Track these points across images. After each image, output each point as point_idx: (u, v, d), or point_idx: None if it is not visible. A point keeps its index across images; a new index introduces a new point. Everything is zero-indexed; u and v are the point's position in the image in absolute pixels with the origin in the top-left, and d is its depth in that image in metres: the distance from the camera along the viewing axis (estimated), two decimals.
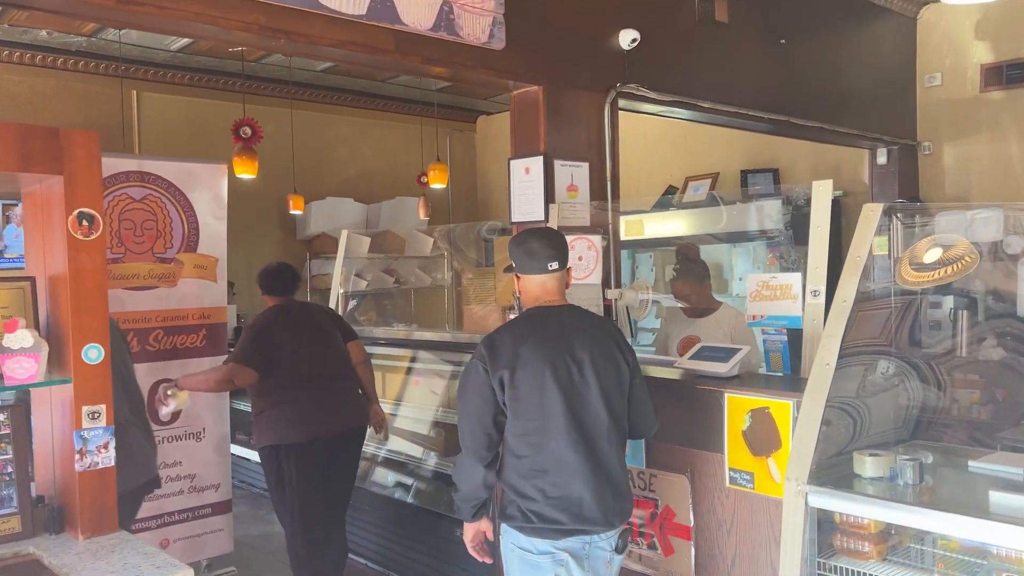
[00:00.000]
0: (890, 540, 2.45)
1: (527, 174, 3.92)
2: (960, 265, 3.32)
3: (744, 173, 6.80)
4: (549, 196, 3.86)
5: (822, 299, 2.92)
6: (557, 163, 3.88)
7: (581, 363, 2.45)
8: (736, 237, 6.62)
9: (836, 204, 6.77)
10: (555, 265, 2.56)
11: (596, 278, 3.73)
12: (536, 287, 2.59)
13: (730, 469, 2.79)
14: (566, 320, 2.55)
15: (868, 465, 2.47)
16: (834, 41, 5.75)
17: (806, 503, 2.42)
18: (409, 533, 4.39)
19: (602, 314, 3.75)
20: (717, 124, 5.33)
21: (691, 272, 3.92)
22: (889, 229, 6.51)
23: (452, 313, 8.30)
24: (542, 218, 3.85)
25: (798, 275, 3.00)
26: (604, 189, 4.05)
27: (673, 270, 4.01)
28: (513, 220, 4.02)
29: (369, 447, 4.63)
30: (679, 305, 4.01)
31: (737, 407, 2.76)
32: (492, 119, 9.74)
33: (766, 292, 3.07)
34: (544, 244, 2.58)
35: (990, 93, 6.09)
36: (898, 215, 6.42)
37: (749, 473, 2.73)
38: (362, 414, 4.00)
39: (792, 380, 2.86)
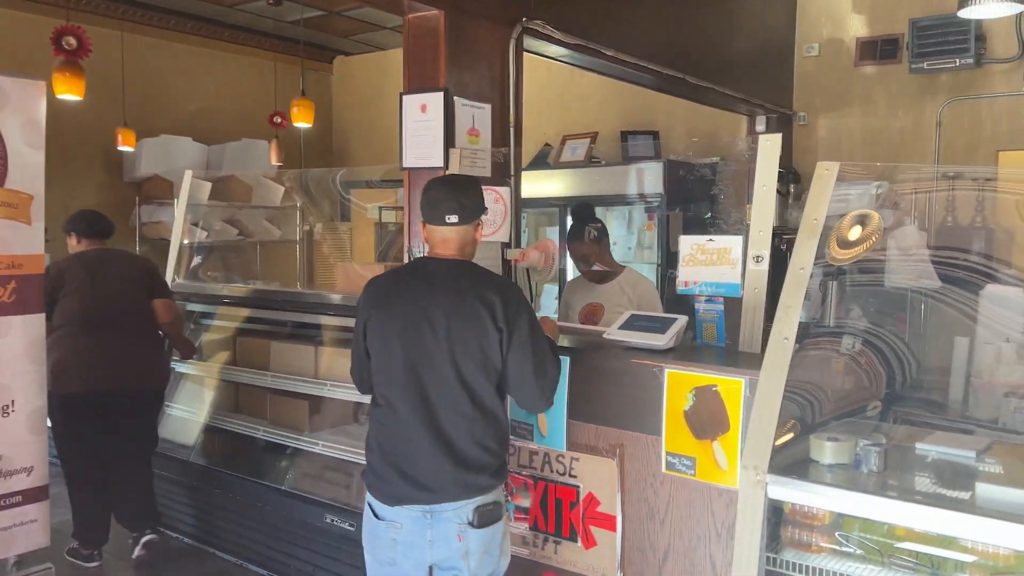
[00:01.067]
0: (839, 529, 2.24)
1: (423, 113, 3.42)
2: (872, 240, 3.25)
3: (624, 134, 6.58)
4: (449, 140, 3.38)
5: (765, 265, 2.66)
6: (458, 102, 3.41)
7: (434, 321, 2.28)
8: (614, 200, 6.41)
9: (709, 170, 6.76)
10: (454, 218, 2.36)
11: (504, 235, 3.32)
12: (436, 238, 2.41)
13: (667, 453, 2.48)
14: (443, 275, 2.37)
15: (828, 451, 2.24)
16: (728, 3, 5.59)
17: (765, 494, 2.15)
18: (263, 516, 3.86)
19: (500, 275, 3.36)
20: (613, 76, 5.02)
21: (591, 233, 3.59)
22: None
23: (304, 271, 7.63)
24: (440, 165, 3.38)
25: (738, 239, 2.72)
26: (506, 136, 3.62)
27: (572, 231, 3.66)
28: (405, 166, 3.51)
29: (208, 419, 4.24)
30: (582, 270, 3.67)
31: (678, 384, 2.45)
32: (351, 60, 9.01)
33: (701, 256, 2.78)
34: (447, 194, 2.39)
35: (864, 67, 6.17)
36: (778, 183, 6.37)
37: (690, 458, 2.44)
38: (149, 376, 3.89)
39: (739, 355, 2.59)
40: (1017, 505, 1.86)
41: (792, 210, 5.96)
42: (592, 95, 7.33)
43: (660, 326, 2.62)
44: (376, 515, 2.33)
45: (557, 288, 5.75)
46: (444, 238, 2.39)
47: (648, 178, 6.15)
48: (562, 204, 6.41)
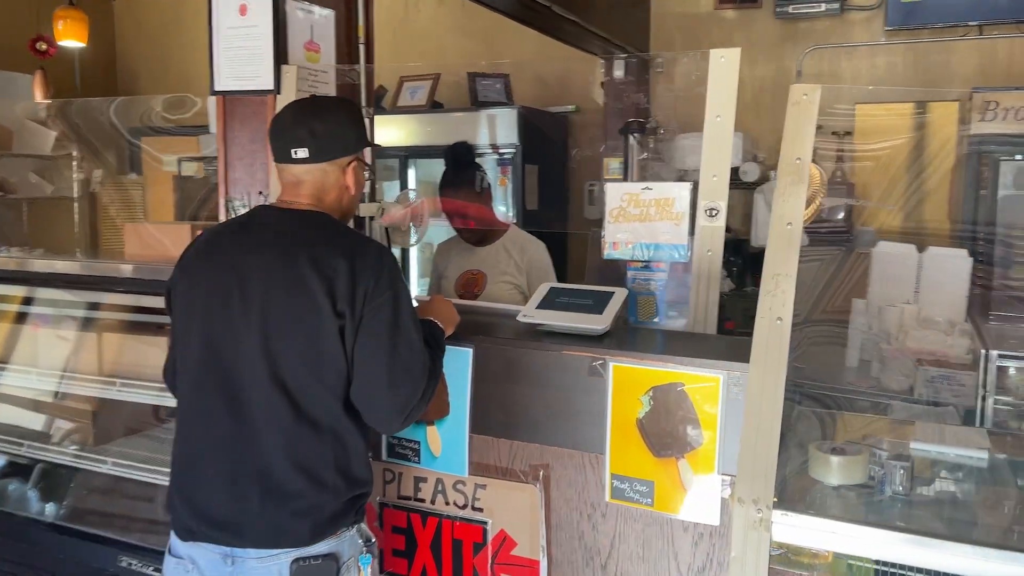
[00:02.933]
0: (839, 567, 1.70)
1: (242, 16, 2.50)
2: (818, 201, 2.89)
3: (473, 76, 5.84)
4: (280, 54, 2.50)
5: (722, 220, 2.05)
6: (292, 4, 2.52)
7: (248, 294, 1.63)
8: None
9: (564, 120, 6.20)
10: (302, 152, 1.70)
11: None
12: (284, 182, 1.76)
13: (614, 477, 1.83)
14: (274, 230, 1.70)
15: (836, 468, 1.67)
16: None
17: (770, 537, 1.55)
18: (30, 561, 2.87)
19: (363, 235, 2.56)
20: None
21: (470, 181, 2.85)
22: (626, 149, 5.93)
23: (85, 234, 6.30)
24: (269, 87, 2.50)
25: (684, 187, 2.09)
26: (355, 54, 2.77)
27: (449, 178, 2.91)
28: (217, 88, 2.59)
29: None
30: (456, 229, 2.93)
31: (629, 383, 1.80)
32: None
33: (634, 210, 2.13)
34: (295, 118, 1.73)
35: (724, 11, 5.80)
36: (634, 134, 5.86)
37: (645, 482, 1.80)
38: None
39: (708, 341, 1.97)
40: None
41: (653, 163, 5.50)
42: (431, 32, 6.51)
43: (594, 303, 1.94)
44: (169, 549, 1.72)
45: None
46: (293, 180, 1.73)
47: (501, 127, 5.48)
48: (402, 155, 5.61)
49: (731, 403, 1.70)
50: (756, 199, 5.32)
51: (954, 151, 4.83)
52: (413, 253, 5.58)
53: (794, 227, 1.75)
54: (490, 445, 1.97)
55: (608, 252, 2.14)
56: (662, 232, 2.08)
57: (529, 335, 1.97)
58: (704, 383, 1.73)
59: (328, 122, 1.70)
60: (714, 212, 2.04)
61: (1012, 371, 3.06)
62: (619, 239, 2.12)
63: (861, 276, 4.46)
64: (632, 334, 2.03)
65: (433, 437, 2.00)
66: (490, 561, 1.98)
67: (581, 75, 6.08)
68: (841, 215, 5.40)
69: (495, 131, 5.51)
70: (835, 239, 5.38)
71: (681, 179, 4.09)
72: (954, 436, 2.01)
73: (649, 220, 2.10)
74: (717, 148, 2.06)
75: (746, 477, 1.57)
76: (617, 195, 2.13)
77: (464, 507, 2.00)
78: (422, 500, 2.05)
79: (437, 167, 5.65)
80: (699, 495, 1.74)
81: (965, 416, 3.10)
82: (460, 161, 2.91)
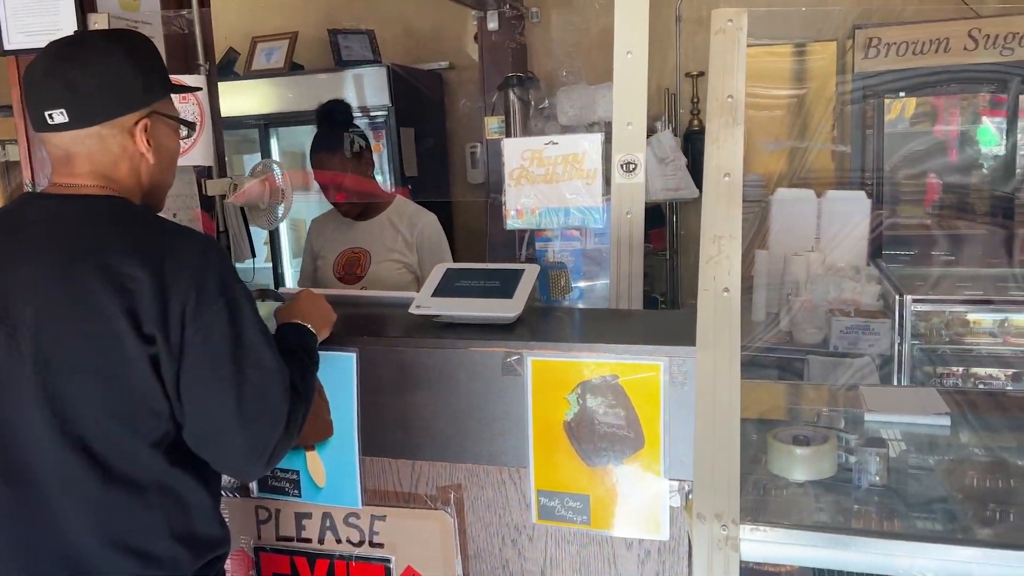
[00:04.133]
0: None
1: None
2: None
3: (333, 32, 5.32)
4: (86, 0, 2.00)
5: (641, 176, 1.75)
6: None
7: (16, 321, 1.19)
8: None
9: (439, 78, 5.79)
10: (58, 116, 1.23)
11: (200, 155, 2.05)
12: (54, 157, 1.29)
13: (540, 493, 1.52)
14: (45, 228, 1.24)
15: (801, 461, 1.41)
16: None
17: (739, 556, 1.28)
18: None
19: (192, 223, 2.13)
20: None
21: (355, 144, 2.44)
22: (507, 106, 5.58)
23: None
24: None
25: (595, 138, 1.77)
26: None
27: (321, 142, 2.48)
28: (7, 48, 2.06)
29: None
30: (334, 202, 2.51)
31: (553, 380, 1.48)
32: None
33: (538, 170, 1.80)
34: (47, 69, 1.26)
35: None
36: (514, 90, 5.51)
37: (579, 497, 1.50)
38: None
39: (634, 318, 1.67)
40: None
41: (536, 120, 5.20)
42: None
43: (501, 285, 1.60)
44: None
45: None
46: (62, 154, 1.28)
47: (370, 87, 5.03)
48: (261, 124, 5.08)
49: (675, 394, 1.41)
50: (646, 152, 5.11)
51: (837, 91, 4.75)
52: (284, 232, 5.09)
53: (733, 179, 1.46)
54: (387, 468, 1.61)
55: (511, 221, 1.80)
56: (573, 194, 1.76)
57: (426, 330, 1.62)
58: (643, 373, 1.43)
59: (93, 70, 1.24)
60: (632, 166, 1.73)
61: (925, 315, 2.96)
62: (523, 205, 1.78)
63: (760, 226, 4.32)
64: (548, 319, 1.71)
65: (315, 464, 1.63)
66: None
67: (453, 28, 5.68)
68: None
69: (364, 92, 5.05)
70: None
71: None
72: (907, 400, 1.81)
73: (556, 180, 1.77)
74: (630, 91, 1.75)
75: (705, 488, 1.29)
76: (516, 153, 1.79)
77: (360, 544, 1.64)
78: (307, 540, 1.68)
79: (302, 135, 5.16)
80: (644, 507, 1.46)
81: (882, 365, 2.99)
82: (335, 122, 2.49)
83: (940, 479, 1.45)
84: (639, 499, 1.46)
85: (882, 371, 2.92)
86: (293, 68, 5.22)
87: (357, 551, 1.64)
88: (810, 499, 1.38)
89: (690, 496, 1.42)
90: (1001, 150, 4.50)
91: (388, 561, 1.64)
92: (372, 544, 1.64)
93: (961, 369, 2.93)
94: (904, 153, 4.59)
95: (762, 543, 1.27)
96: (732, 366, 1.33)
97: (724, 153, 1.49)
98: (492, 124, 5.56)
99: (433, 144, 5.65)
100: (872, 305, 3.11)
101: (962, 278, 3.35)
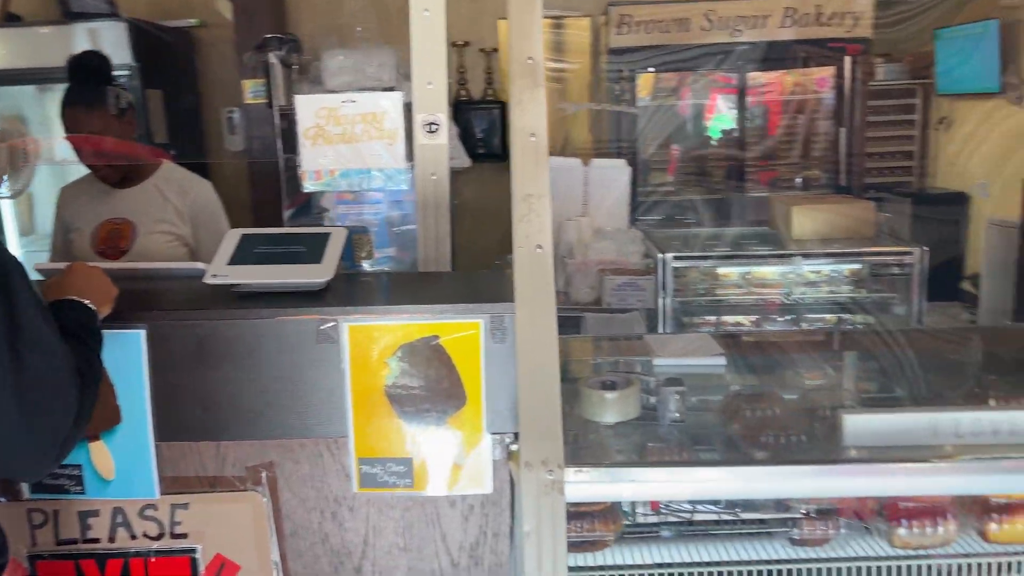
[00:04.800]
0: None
1: None
2: None
3: None
4: None
5: (444, 137, 1.74)
6: None
7: None
8: (57, 75, 4.60)
9: (188, 36, 5.35)
10: None
11: None
12: None
13: (361, 461, 1.48)
14: None
15: (611, 405, 1.50)
16: None
17: (564, 499, 1.33)
18: None
19: None
20: None
21: (116, 100, 2.18)
22: (267, 69, 5.33)
23: None
24: None
25: (395, 97, 1.73)
26: None
27: (74, 96, 2.20)
28: None
29: None
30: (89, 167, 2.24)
31: (371, 345, 1.44)
32: None
33: (335, 129, 1.72)
34: None
35: None
36: (274, 52, 5.29)
37: (401, 461, 1.48)
38: None
39: (447, 279, 1.65)
40: (890, 435, 1.38)
41: (301, 84, 5.00)
42: None
43: (308, 250, 1.52)
44: None
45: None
46: None
47: (108, 44, 4.53)
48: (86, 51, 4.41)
49: (494, 350, 1.43)
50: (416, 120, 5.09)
51: (592, 64, 5.03)
52: (6, 209, 4.46)
53: (539, 139, 1.50)
54: (188, 452, 1.49)
55: (309, 183, 1.72)
56: (374, 155, 1.71)
57: (224, 300, 1.50)
58: (463, 332, 1.43)
59: None
60: (434, 127, 1.72)
61: (683, 271, 3.25)
62: (321, 166, 1.70)
63: None
64: (358, 284, 1.65)
65: (101, 456, 1.46)
66: None
67: None
68: (497, 139, 5.41)
69: (100, 49, 4.53)
70: (497, 160, 5.39)
71: None
72: (687, 346, 1.98)
73: (356, 141, 1.71)
74: (429, 50, 1.72)
75: (531, 436, 1.33)
76: (311, 111, 1.70)
77: (160, 537, 1.50)
78: (95, 540, 1.50)
79: (23, 97, 4.55)
80: (467, 463, 1.47)
81: (649, 317, 3.25)
82: (91, 76, 2.20)
83: (723, 410, 1.61)
84: (462, 456, 1.47)
85: (648, 324, 3.18)
86: (10, 19, 4.56)
87: (156, 545, 1.50)
88: (621, 439, 1.47)
89: (511, 448, 1.46)
90: (732, 123, 5.04)
91: (193, 552, 1.51)
92: (174, 536, 1.50)
93: (714, 318, 3.27)
94: (652, 125, 4.99)
95: (586, 484, 1.33)
96: (549, 319, 1.37)
97: (528, 114, 1.51)
98: (251, 88, 5.26)
99: (185, 108, 5.24)
100: (638, 264, 3.36)
101: (709, 237, 3.72)
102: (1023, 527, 1.47)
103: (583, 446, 1.44)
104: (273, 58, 5.02)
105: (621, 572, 1.50)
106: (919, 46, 5.69)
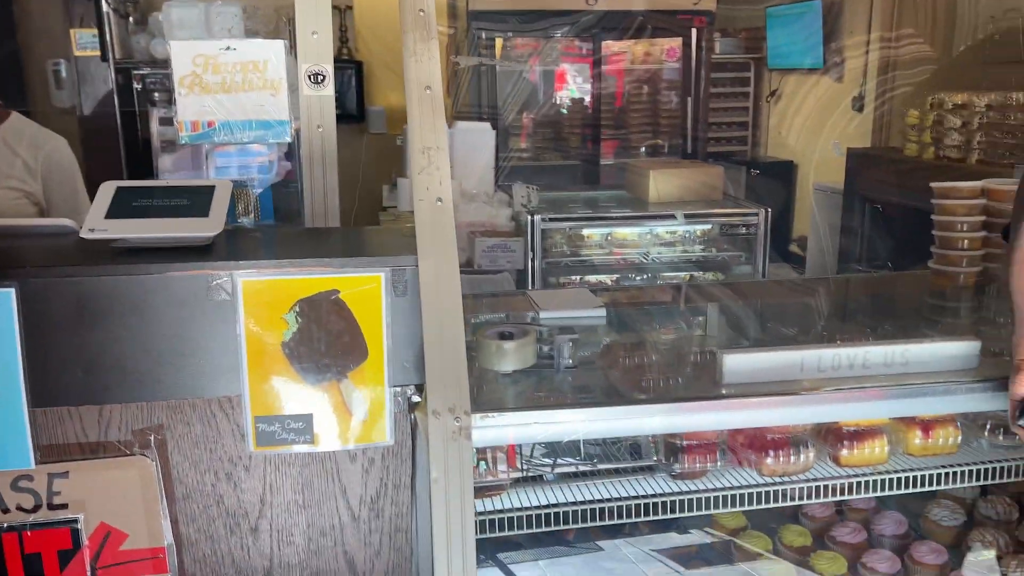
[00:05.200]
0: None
1: None
2: None
3: None
4: None
5: (331, 88, 1.70)
6: None
7: None
8: None
9: None
10: None
11: None
12: None
13: (258, 420, 1.45)
14: None
15: (510, 354, 1.55)
16: None
17: (471, 444, 1.37)
18: None
19: None
20: None
21: None
22: (99, 18, 4.98)
23: None
24: None
25: (278, 44, 1.67)
26: None
27: None
28: None
29: None
30: None
31: (268, 300, 1.40)
32: None
33: (213, 78, 1.64)
34: None
35: None
36: (107, 1, 4.95)
37: (301, 418, 1.46)
38: None
39: (344, 234, 1.62)
40: (765, 371, 1.51)
41: (139, 37, 4.69)
42: None
43: (192, 203, 1.45)
44: None
45: None
46: None
47: None
48: None
49: (395, 304, 1.44)
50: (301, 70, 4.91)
51: (453, 27, 5.01)
52: None
53: (434, 91, 1.50)
54: (67, 418, 1.40)
55: (185, 135, 1.63)
56: (255, 105, 1.65)
57: (102, 256, 1.41)
58: (363, 286, 1.43)
59: None
60: (320, 78, 1.68)
61: (551, 232, 3.34)
62: (198, 116, 1.62)
63: (395, 154, 4.43)
64: (247, 238, 1.59)
65: None
66: (89, 567, 1.45)
67: None
68: (353, 99, 5.29)
69: None
70: (354, 121, 5.27)
71: None
72: (568, 299, 2.06)
73: (236, 90, 1.64)
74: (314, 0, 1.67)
75: (438, 385, 1.35)
76: (187, 58, 1.61)
77: (36, 509, 1.41)
78: None
79: None
80: (369, 417, 1.47)
81: (519, 277, 3.33)
82: None
83: (608, 356, 1.70)
84: (364, 410, 1.47)
85: (518, 284, 3.26)
86: None
87: (32, 518, 1.41)
88: (520, 385, 1.52)
89: (413, 399, 1.48)
90: (586, 90, 5.19)
91: (74, 522, 1.43)
92: (52, 507, 1.41)
93: (578, 277, 3.40)
94: (510, 90, 5.05)
95: (489, 429, 1.37)
96: (452, 271, 1.40)
97: (422, 67, 1.51)
98: (82, 38, 4.87)
99: (2, 58, 4.78)
100: (506, 226, 3.42)
101: (569, 201, 3.84)
102: (869, 452, 1.65)
103: (484, 395, 1.48)
104: (106, 6, 4.69)
105: (519, 514, 1.56)
106: (755, 22, 6.08)
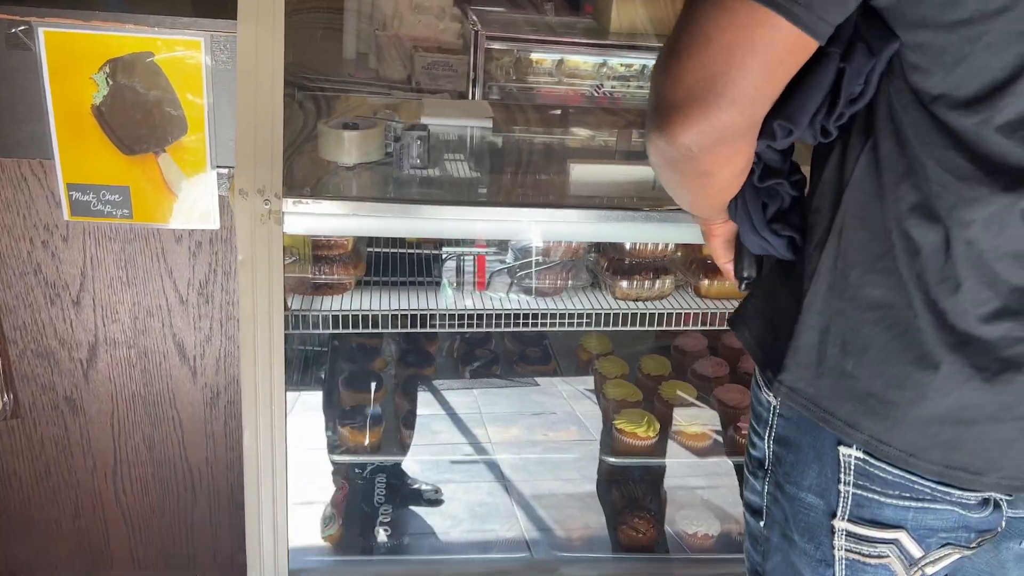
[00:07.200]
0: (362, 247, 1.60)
1: None
2: None
3: None
4: None
5: None
6: None
7: None
8: None
9: None
10: None
11: None
12: None
13: (71, 188, 1.38)
14: None
15: (349, 144, 1.45)
16: None
17: (281, 230, 1.30)
18: None
19: None
20: None
21: None
22: None
23: None
24: None
25: None
26: None
27: None
28: None
29: None
30: None
31: (73, 57, 1.30)
32: None
33: None
34: None
35: None
36: None
37: (118, 189, 1.39)
38: None
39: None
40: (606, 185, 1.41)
41: None
42: None
43: None
44: None
45: None
46: None
47: None
48: None
49: (220, 76, 1.34)
50: None
51: None
52: None
53: None
54: None
55: None
56: None
57: None
58: (181, 50, 1.31)
59: None
60: None
61: (498, 53, 3.15)
62: None
63: None
64: None
65: None
66: None
67: None
68: None
69: None
70: None
71: None
72: (461, 110, 1.94)
73: None
74: None
75: (247, 164, 1.26)
76: None
77: None
78: None
79: None
80: (191, 197, 1.40)
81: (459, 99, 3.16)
82: None
83: (472, 162, 1.61)
84: (186, 188, 1.40)
85: None
86: None
87: None
88: (358, 179, 1.44)
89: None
90: None
91: None
92: None
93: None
94: None
95: (305, 215, 1.30)
96: (276, 36, 1.27)
97: None
98: None
99: None
100: (453, 43, 3.22)
101: (527, 23, 3.60)
102: (730, 285, 1.59)
103: (317, 184, 1.39)
104: None
105: (356, 314, 1.52)
106: None
